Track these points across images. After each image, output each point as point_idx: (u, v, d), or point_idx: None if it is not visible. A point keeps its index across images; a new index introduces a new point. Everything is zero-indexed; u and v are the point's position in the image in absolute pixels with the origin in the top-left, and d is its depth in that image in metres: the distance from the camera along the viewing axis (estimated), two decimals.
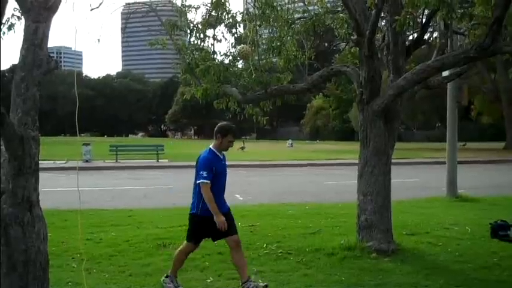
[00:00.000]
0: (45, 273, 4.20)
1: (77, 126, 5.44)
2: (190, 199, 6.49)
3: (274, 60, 10.20)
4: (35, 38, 4.11)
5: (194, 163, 6.55)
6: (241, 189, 17.51)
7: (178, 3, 9.78)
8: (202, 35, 9.66)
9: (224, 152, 6.45)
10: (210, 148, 6.35)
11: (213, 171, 6.16)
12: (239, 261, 6.36)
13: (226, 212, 6.30)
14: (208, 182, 6.11)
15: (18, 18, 7.05)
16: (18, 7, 5.48)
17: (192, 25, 9.64)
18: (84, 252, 7.55)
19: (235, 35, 9.80)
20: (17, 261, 4.01)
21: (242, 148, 40.88)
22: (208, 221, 6.10)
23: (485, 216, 11.03)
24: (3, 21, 4.68)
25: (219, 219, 6.04)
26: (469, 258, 7.84)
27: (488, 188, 17.00)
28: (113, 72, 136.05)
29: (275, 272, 7.02)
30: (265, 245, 8.54)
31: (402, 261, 7.55)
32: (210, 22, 9.48)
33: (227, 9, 9.35)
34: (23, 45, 4.14)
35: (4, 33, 6.83)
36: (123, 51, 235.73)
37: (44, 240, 4.17)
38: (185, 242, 6.51)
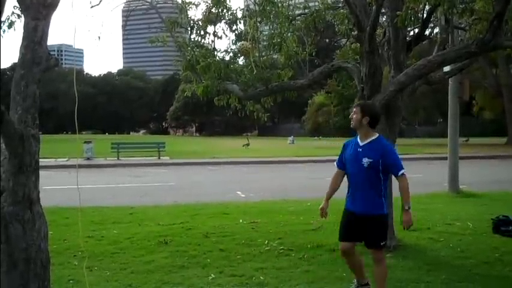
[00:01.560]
0: (46, 271, 4.20)
1: (76, 124, 5.44)
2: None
3: (275, 56, 10.20)
4: (34, 36, 4.09)
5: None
6: (243, 186, 17.53)
7: (179, 0, 9.77)
8: (202, 32, 9.66)
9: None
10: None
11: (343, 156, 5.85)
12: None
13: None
14: None
15: (18, 16, 7.06)
16: (17, 5, 5.46)
17: (192, 22, 9.63)
18: (86, 250, 7.56)
19: (236, 32, 9.80)
20: (17, 259, 4.01)
21: (247, 145, 40.95)
22: None
23: (487, 212, 11.04)
24: (3, 19, 4.68)
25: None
26: (470, 253, 7.83)
27: (490, 184, 16.99)
28: (114, 70, 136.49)
29: (277, 269, 7.02)
30: (266, 241, 8.54)
31: (404, 257, 7.55)
32: (211, 19, 9.47)
33: (227, 6, 9.35)
34: (22, 43, 4.13)
35: (4, 31, 6.83)
36: (124, 49, 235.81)
37: (45, 238, 4.17)
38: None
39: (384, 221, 5.62)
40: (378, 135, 5.55)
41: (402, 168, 5.36)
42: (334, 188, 6.04)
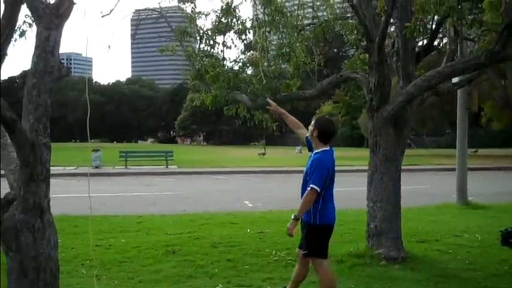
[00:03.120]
0: (56, 279, 4.21)
1: (88, 132, 5.48)
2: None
3: (283, 66, 10.21)
4: (46, 45, 4.13)
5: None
6: (250, 195, 17.53)
7: (188, 10, 9.82)
8: (212, 42, 9.69)
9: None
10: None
11: None
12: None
13: None
14: None
15: (30, 25, 7.11)
16: (29, 14, 5.51)
17: (202, 31, 9.67)
18: (94, 259, 7.57)
19: (245, 42, 9.82)
20: (27, 267, 4.03)
21: (263, 154, 41.39)
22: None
23: (495, 224, 10.98)
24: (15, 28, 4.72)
25: None
26: (479, 266, 7.79)
27: (498, 195, 16.90)
28: (123, 79, 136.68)
29: (284, 279, 6.98)
30: (274, 251, 8.53)
31: (412, 269, 7.52)
32: (220, 29, 9.50)
33: (237, 15, 9.37)
34: (34, 52, 4.16)
35: (16, 39, 6.88)
36: (132, 58, 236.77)
37: (55, 247, 4.18)
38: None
39: (314, 232, 5.66)
40: (323, 149, 5.71)
41: (315, 184, 5.47)
42: None
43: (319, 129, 5.71)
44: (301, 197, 5.62)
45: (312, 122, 5.82)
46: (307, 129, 5.91)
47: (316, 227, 5.61)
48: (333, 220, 5.69)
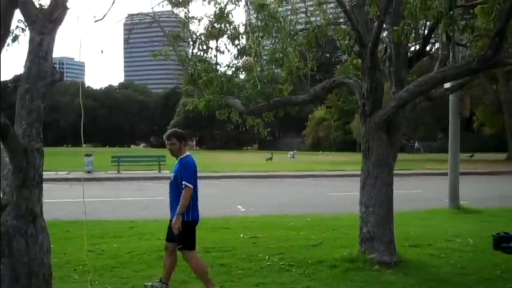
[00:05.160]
0: (48, 285, 4.20)
1: (82, 136, 5.49)
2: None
3: (276, 71, 10.22)
4: (39, 50, 4.13)
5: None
6: (243, 200, 17.52)
7: (182, 15, 9.82)
8: (205, 47, 9.70)
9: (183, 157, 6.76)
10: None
11: None
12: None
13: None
14: None
15: (23, 30, 7.08)
16: (22, 19, 5.50)
17: (195, 36, 9.67)
18: (88, 264, 7.53)
19: (238, 47, 9.83)
20: (20, 273, 4.01)
21: (270, 159, 41.87)
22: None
23: (487, 228, 11.01)
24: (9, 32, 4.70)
25: None
26: (471, 270, 7.82)
27: (490, 200, 16.97)
28: (115, 83, 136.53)
29: (277, 284, 7.00)
30: (267, 256, 8.52)
31: (405, 274, 7.54)
32: (213, 34, 9.51)
33: (230, 21, 9.38)
34: (27, 57, 4.16)
35: (8, 44, 6.85)
36: (125, 62, 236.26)
37: (47, 252, 4.18)
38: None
39: (186, 228, 6.44)
40: (187, 154, 6.77)
41: (189, 181, 6.47)
42: None
43: (184, 140, 6.82)
44: (173, 198, 6.66)
45: (173, 140, 6.68)
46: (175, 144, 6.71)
47: (188, 223, 6.44)
48: (197, 216, 6.59)
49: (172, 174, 6.73)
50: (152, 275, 7.41)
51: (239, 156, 54.29)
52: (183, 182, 6.41)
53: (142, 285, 6.94)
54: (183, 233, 6.40)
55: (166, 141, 6.77)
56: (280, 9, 9.88)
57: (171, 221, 6.61)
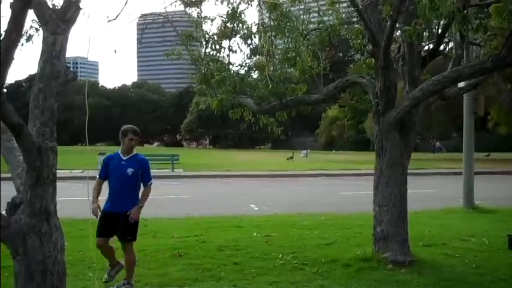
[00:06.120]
0: (62, 283, 4.22)
1: (87, 135, 5.59)
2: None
3: (289, 71, 10.21)
4: (53, 50, 4.15)
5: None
6: (256, 199, 17.52)
7: (194, 15, 9.83)
8: (217, 46, 9.70)
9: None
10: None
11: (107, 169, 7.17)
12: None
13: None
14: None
15: (36, 29, 7.13)
16: (36, 19, 5.54)
17: (207, 36, 9.68)
18: (99, 262, 7.58)
19: (251, 46, 9.83)
20: (34, 271, 4.04)
21: (291, 158, 42.19)
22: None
23: (502, 228, 10.94)
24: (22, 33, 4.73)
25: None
26: (486, 270, 7.77)
27: (505, 199, 16.80)
28: (129, 82, 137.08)
29: (291, 283, 7.00)
30: (280, 255, 8.52)
31: (419, 273, 7.50)
32: (226, 33, 9.51)
33: (242, 20, 9.38)
34: (41, 57, 4.18)
35: (22, 44, 6.90)
36: (138, 62, 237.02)
37: (61, 250, 4.20)
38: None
39: (136, 221, 7.03)
40: (136, 152, 7.24)
41: (151, 179, 7.40)
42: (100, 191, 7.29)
43: (139, 136, 7.12)
44: (120, 192, 7.09)
45: (129, 136, 6.97)
46: (129, 140, 7.03)
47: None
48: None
49: (129, 170, 7.07)
50: (165, 273, 7.44)
51: (254, 155, 54.29)
52: (151, 182, 7.41)
53: (155, 283, 6.97)
54: (134, 225, 6.94)
55: (133, 136, 7.00)
56: (292, 8, 9.86)
57: (108, 215, 6.94)
